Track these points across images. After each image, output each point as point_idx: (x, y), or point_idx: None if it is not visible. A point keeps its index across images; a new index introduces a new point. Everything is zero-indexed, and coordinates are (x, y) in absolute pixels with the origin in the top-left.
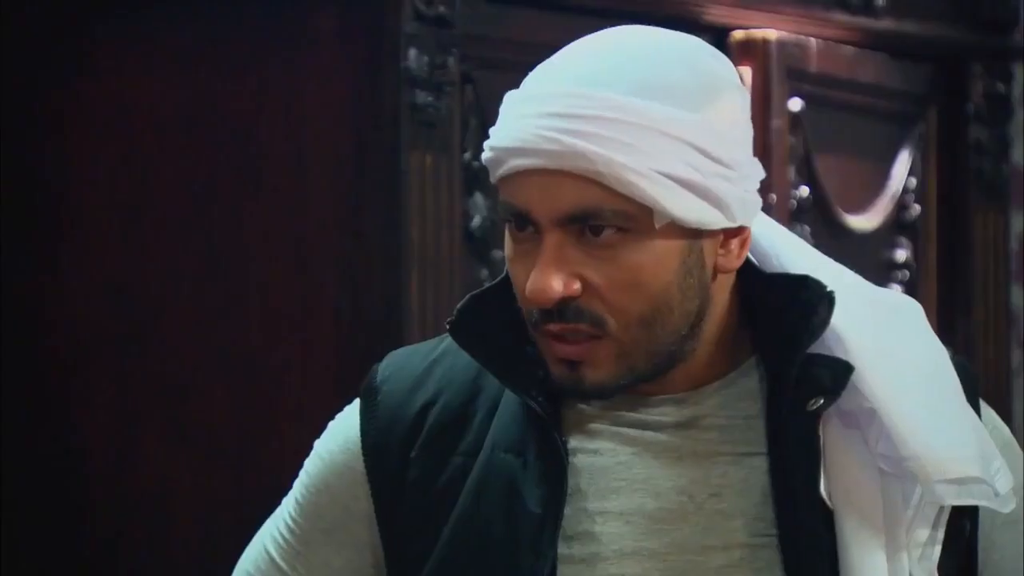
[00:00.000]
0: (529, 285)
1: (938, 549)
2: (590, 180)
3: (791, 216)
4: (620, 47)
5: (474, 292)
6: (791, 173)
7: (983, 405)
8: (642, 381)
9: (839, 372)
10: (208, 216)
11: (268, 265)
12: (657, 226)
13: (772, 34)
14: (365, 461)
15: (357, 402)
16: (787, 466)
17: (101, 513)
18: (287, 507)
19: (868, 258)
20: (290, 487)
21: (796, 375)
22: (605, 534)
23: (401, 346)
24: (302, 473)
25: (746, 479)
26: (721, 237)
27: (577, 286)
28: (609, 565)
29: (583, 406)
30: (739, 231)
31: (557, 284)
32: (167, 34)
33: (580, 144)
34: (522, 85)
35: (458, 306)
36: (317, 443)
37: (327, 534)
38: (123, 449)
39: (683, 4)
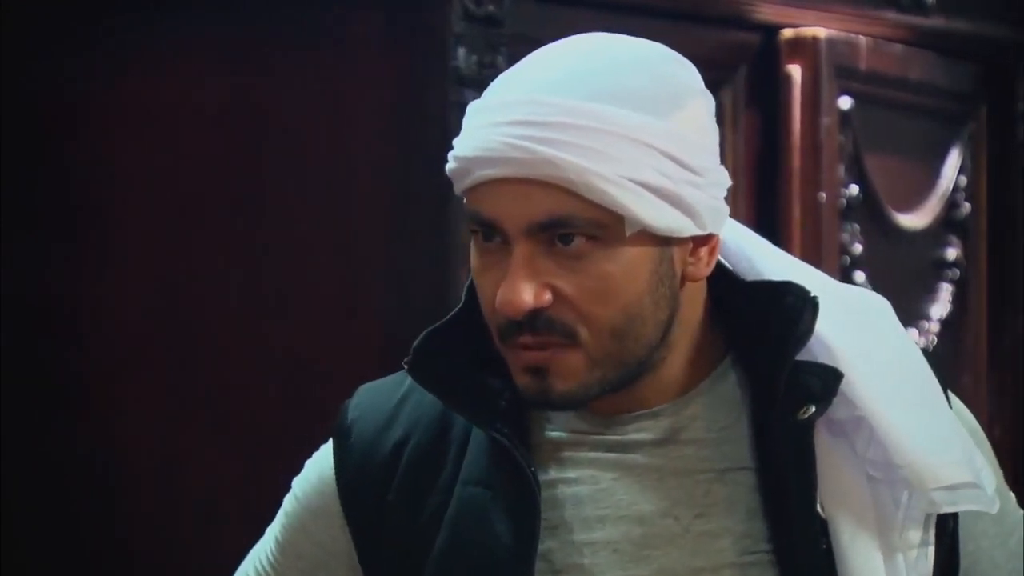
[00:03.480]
0: (500, 296)
1: (932, 551)
2: (560, 188)
3: (841, 215)
4: (586, 55)
5: (430, 328)
6: (840, 171)
7: (951, 395)
8: (610, 391)
9: (829, 379)
10: (254, 217)
11: (314, 266)
12: (628, 234)
13: (821, 32)
14: (341, 501)
15: (331, 442)
16: (780, 479)
17: (146, 513)
18: (269, 542)
19: (918, 257)
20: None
21: (785, 384)
22: (594, 566)
23: None
24: (281, 512)
25: (730, 496)
26: (690, 245)
27: (548, 296)
28: None
29: (556, 435)
30: (708, 239)
31: (528, 295)
32: (213, 34)
33: (550, 152)
34: (484, 94)
35: (415, 344)
36: (294, 483)
37: (307, 574)
38: (169, 449)
39: (733, 3)
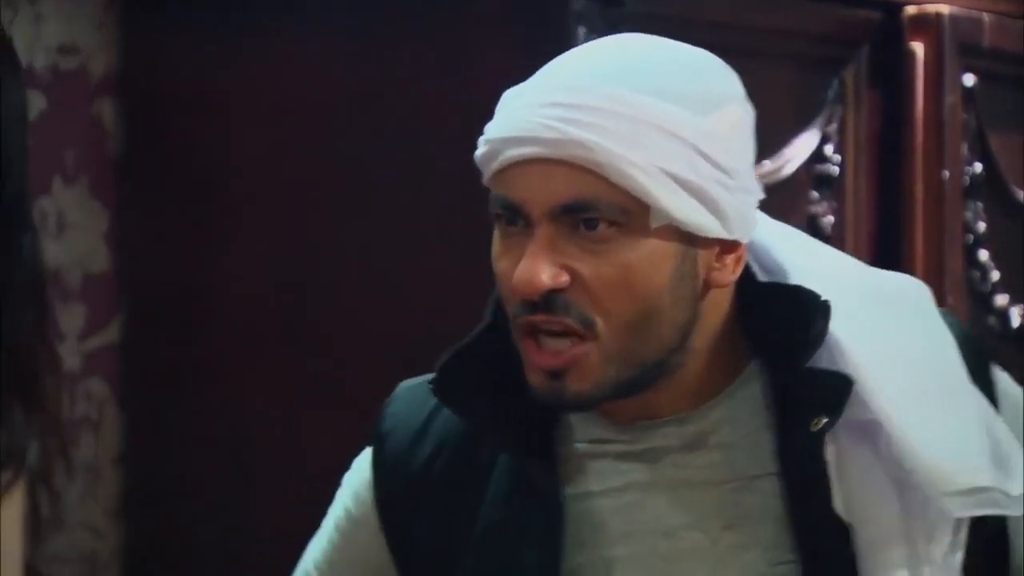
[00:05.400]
0: (516, 274)
1: (960, 555)
2: (588, 171)
3: (964, 193)
4: (628, 50)
5: (455, 347)
6: (964, 150)
7: (996, 373)
8: (624, 394)
9: (840, 387)
10: (374, 196)
11: (433, 246)
12: (653, 225)
13: (945, 9)
14: (378, 511)
15: (369, 451)
16: (799, 487)
17: (272, 491)
18: (322, 542)
19: None
20: None
21: (797, 392)
22: None
23: None
24: (329, 518)
25: (758, 506)
26: (716, 250)
27: (565, 278)
28: None
29: (581, 447)
30: (734, 247)
31: (545, 275)
32: (334, 21)
33: (581, 133)
34: (523, 83)
35: (439, 363)
36: (338, 493)
37: None
38: (287, 437)
39: None
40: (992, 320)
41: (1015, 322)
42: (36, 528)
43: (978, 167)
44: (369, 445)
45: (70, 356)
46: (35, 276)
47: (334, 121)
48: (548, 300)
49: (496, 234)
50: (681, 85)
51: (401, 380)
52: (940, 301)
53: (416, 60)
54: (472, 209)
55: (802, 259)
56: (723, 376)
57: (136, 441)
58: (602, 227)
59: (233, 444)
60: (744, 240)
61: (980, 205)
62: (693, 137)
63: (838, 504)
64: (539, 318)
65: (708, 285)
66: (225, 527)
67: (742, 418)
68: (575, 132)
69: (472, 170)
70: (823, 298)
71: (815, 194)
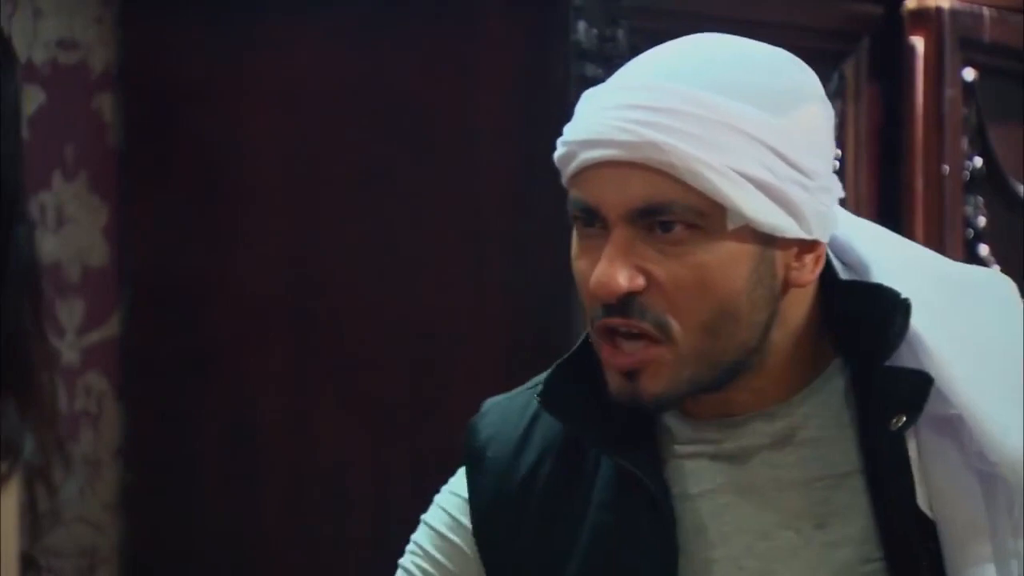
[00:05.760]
0: (594, 277)
1: None
2: (663, 173)
3: (964, 187)
4: (704, 49)
5: (560, 360)
6: (964, 144)
7: None
8: (705, 391)
9: (920, 386)
10: (378, 189)
11: (438, 238)
12: (730, 227)
13: (945, 3)
14: (475, 532)
15: (463, 472)
16: (883, 484)
17: (276, 485)
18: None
19: None
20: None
21: (877, 390)
22: None
23: (571, 318)
24: (414, 544)
25: (846, 503)
26: (795, 250)
27: (641, 281)
28: None
29: (679, 449)
30: (814, 246)
31: (622, 277)
32: (336, 6)
33: (655, 135)
34: (602, 84)
35: (546, 376)
36: (426, 517)
37: None
38: (297, 422)
39: None
40: None
41: None
42: (34, 522)
43: (978, 161)
44: (461, 465)
45: (69, 350)
46: (30, 270)
47: (334, 114)
48: (624, 303)
49: (574, 236)
50: (757, 85)
51: (409, 365)
52: None
53: (417, 54)
54: (477, 205)
55: (884, 254)
56: (807, 372)
57: (135, 435)
58: (678, 229)
59: (232, 438)
60: (824, 240)
61: (980, 199)
62: (769, 137)
63: (922, 501)
64: (616, 321)
65: (788, 285)
66: (224, 522)
67: (828, 414)
68: (650, 134)
69: (476, 166)
70: (903, 296)
71: None
